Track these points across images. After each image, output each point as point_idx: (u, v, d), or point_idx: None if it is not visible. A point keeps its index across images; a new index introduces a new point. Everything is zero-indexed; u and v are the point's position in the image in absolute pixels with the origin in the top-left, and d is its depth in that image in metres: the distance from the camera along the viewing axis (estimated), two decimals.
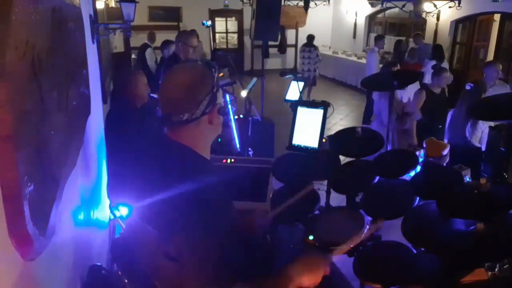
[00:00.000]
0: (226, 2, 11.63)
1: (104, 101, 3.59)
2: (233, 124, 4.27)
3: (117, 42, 9.15)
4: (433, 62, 6.29)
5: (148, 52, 7.58)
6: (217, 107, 1.27)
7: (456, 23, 8.93)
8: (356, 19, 11.73)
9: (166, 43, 6.17)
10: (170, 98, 1.22)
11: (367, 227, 2.31)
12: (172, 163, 1.22)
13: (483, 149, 3.69)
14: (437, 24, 9.19)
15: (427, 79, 5.53)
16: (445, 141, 3.87)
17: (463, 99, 3.77)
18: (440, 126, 4.26)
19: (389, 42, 10.41)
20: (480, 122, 3.62)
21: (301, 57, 8.67)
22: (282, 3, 5.73)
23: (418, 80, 4.69)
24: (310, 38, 8.59)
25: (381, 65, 7.97)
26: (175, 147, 1.23)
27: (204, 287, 1.12)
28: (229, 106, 4.21)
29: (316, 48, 8.51)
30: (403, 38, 9.46)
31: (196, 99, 1.20)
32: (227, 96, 4.24)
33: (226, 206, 1.24)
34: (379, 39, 7.88)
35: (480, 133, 3.65)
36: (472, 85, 3.70)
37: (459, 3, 7.85)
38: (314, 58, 8.40)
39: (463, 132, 3.64)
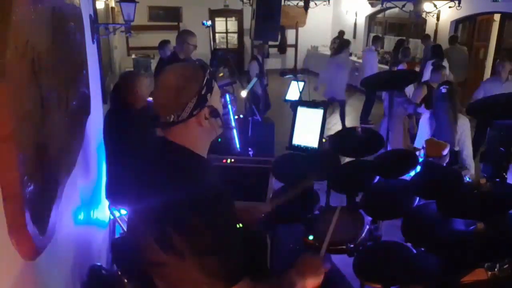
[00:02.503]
0: (226, 2, 11.63)
1: (104, 101, 3.59)
2: (233, 124, 4.27)
3: (117, 42, 9.17)
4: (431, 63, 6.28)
5: (253, 66, 6.68)
6: (208, 109, 1.22)
7: (456, 23, 8.93)
8: (356, 19, 11.73)
9: (163, 43, 6.16)
10: (158, 100, 1.23)
11: (367, 227, 2.32)
12: (167, 162, 1.22)
13: (463, 152, 3.63)
14: (437, 24, 9.19)
15: (427, 78, 5.56)
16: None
17: (441, 103, 3.66)
18: None
19: (389, 42, 10.42)
20: (459, 123, 3.56)
21: (331, 48, 10.71)
22: (282, 3, 5.73)
23: (416, 80, 4.72)
24: (340, 32, 10.82)
25: (380, 65, 8.02)
26: (170, 146, 1.23)
27: (207, 283, 1.13)
28: (229, 106, 4.21)
29: None
30: (404, 38, 9.50)
31: (181, 101, 1.18)
32: (227, 96, 4.24)
33: (223, 201, 1.22)
34: (377, 39, 7.89)
35: (459, 135, 3.59)
36: (447, 87, 3.61)
37: (459, 3, 7.85)
38: None
39: (451, 136, 3.60)
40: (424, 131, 3.81)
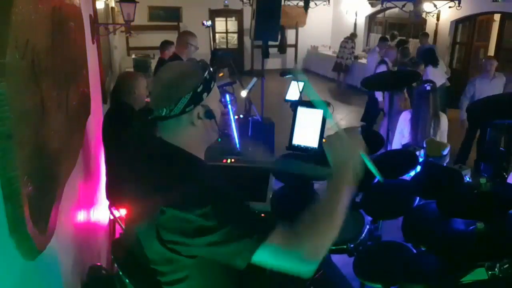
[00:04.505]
0: (226, 2, 11.63)
1: (104, 101, 3.59)
2: (233, 124, 4.27)
3: (117, 42, 9.16)
4: (429, 67, 6.20)
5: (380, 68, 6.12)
6: (203, 109, 1.22)
7: (456, 23, 8.93)
8: (356, 19, 11.73)
9: (166, 43, 6.15)
10: (154, 93, 1.24)
11: (367, 227, 2.32)
12: (162, 163, 1.22)
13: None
14: (437, 24, 9.19)
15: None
16: (401, 143, 3.85)
17: (424, 99, 3.71)
18: None
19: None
20: (442, 121, 3.61)
21: (340, 46, 10.54)
22: (282, 3, 5.73)
23: (417, 80, 4.71)
24: (352, 34, 10.67)
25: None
26: (165, 146, 1.24)
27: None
28: (229, 106, 4.21)
29: (353, 41, 10.41)
30: (404, 38, 9.49)
31: (174, 95, 1.18)
32: (227, 96, 4.24)
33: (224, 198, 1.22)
34: (383, 40, 7.86)
35: (442, 132, 3.67)
36: (431, 85, 3.67)
37: (459, 3, 7.85)
38: (349, 48, 10.37)
39: (428, 133, 3.65)
40: (404, 130, 3.84)
